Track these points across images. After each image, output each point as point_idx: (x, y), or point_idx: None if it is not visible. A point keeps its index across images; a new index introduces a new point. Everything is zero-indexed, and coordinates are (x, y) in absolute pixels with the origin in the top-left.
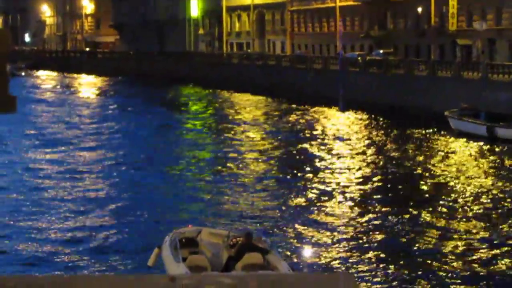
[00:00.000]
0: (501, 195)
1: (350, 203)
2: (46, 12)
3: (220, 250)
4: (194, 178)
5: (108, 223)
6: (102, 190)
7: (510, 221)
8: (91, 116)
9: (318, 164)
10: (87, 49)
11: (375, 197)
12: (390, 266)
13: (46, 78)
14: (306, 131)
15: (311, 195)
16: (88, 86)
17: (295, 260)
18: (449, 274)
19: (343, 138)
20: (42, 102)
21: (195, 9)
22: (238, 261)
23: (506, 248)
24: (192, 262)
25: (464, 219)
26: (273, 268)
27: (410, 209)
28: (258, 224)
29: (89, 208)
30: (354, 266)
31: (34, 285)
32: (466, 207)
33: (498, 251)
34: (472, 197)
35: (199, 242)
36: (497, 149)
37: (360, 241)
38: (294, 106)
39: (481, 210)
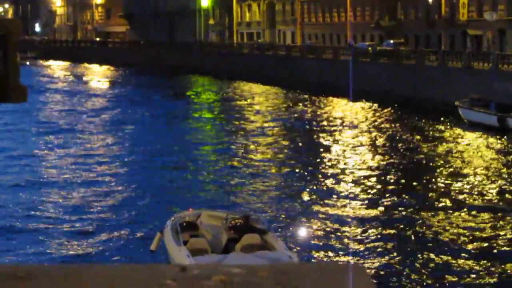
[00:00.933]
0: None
1: (357, 193)
2: (57, 2)
3: (219, 233)
4: (203, 165)
5: (115, 210)
6: (109, 178)
7: None
8: (100, 106)
9: (326, 154)
10: (98, 39)
11: (383, 187)
12: (396, 258)
13: (55, 68)
14: (315, 121)
15: (319, 184)
16: (98, 75)
17: (300, 248)
18: (456, 267)
19: (352, 128)
20: (49, 91)
21: None
22: (237, 242)
23: None
24: (192, 245)
25: (474, 210)
26: (270, 248)
27: (419, 200)
28: (263, 213)
29: (96, 194)
30: (360, 256)
31: (46, 275)
32: (475, 198)
33: (508, 244)
34: (482, 188)
35: (199, 226)
36: (507, 139)
37: (367, 232)
38: (304, 96)
39: (491, 201)
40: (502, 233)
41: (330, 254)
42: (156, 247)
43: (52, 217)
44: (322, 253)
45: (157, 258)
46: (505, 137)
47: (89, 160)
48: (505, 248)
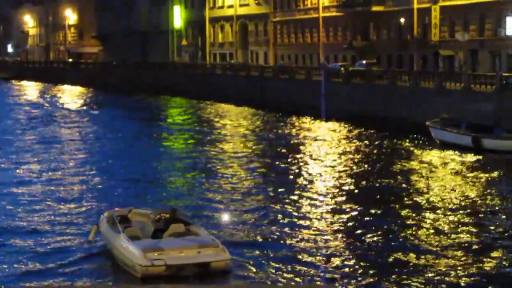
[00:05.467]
0: (487, 205)
1: (328, 213)
2: (29, 22)
3: (148, 224)
4: (172, 184)
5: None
6: (72, 193)
7: (496, 235)
8: (70, 126)
9: (297, 173)
10: (70, 60)
11: (354, 207)
12: (368, 279)
13: (27, 88)
14: (287, 141)
15: (289, 202)
16: (70, 96)
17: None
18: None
19: (324, 147)
20: (18, 112)
21: (178, 20)
22: (165, 231)
23: (491, 260)
24: (128, 233)
25: (446, 230)
26: (195, 234)
27: (390, 220)
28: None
29: (48, 200)
30: (334, 275)
31: None
32: (449, 218)
33: (482, 261)
34: (456, 208)
35: (130, 219)
36: (482, 159)
37: (337, 251)
38: (276, 116)
39: (465, 220)
40: (471, 252)
41: (301, 272)
42: (93, 237)
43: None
44: (290, 270)
45: (93, 246)
46: (480, 156)
47: (54, 177)
48: (475, 263)
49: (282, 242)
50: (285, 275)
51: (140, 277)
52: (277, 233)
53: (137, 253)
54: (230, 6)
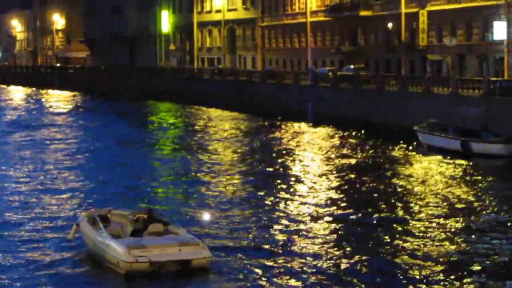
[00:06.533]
0: (475, 208)
1: (313, 217)
2: (17, 27)
3: (126, 224)
4: (155, 187)
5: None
6: (57, 199)
7: (483, 238)
8: (56, 130)
9: (285, 178)
10: (58, 64)
11: (340, 212)
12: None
13: (14, 93)
14: (275, 145)
15: (274, 206)
16: (57, 100)
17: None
18: None
19: (311, 152)
20: (4, 116)
21: (166, 24)
22: (144, 231)
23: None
24: (110, 232)
25: (434, 235)
26: (175, 233)
27: (377, 225)
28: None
29: (31, 201)
30: (317, 279)
31: None
32: (438, 223)
33: (469, 267)
34: (445, 212)
35: (110, 218)
36: (471, 163)
37: (323, 259)
38: (264, 121)
39: (452, 224)
40: (459, 258)
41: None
42: (73, 236)
43: None
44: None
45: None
46: (470, 160)
47: (41, 183)
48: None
49: (265, 246)
50: (267, 278)
51: (124, 274)
52: (261, 237)
53: (122, 250)
54: (218, 11)
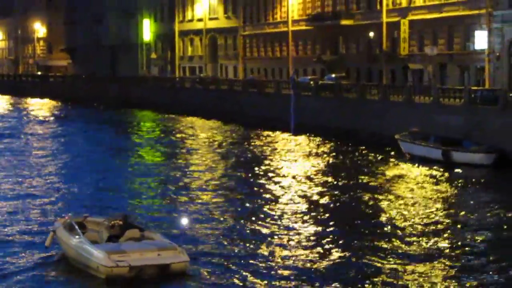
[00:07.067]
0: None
1: (294, 226)
2: None
3: (102, 231)
4: (135, 195)
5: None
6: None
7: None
8: (37, 138)
9: (264, 185)
10: (39, 73)
11: (320, 221)
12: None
13: None
14: (256, 154)
15: (254, 215)
16: (38, 109)
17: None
18: None
19: (292, 161)
20: None
21: (147, 33)
22: (120, 237)
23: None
24: (88, 238)
25: (413, 244)
26: (151, 238)
27: (357, 234)
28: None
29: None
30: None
31: None
32: (418, 231)
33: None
34: (425, 221)
35: (86, 225)
36: (452, 173)
37: (303, 263)
38: (246, 130)
39: (433, 233)
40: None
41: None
42: (50, 243)
43: None
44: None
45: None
46: (450, 170)
47: (21, 190)
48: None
49: (244, 250)
50: (245, 282)
51: (104, 278)
52: (240, 242)
53: (101, 255)
54: (200, 20)
